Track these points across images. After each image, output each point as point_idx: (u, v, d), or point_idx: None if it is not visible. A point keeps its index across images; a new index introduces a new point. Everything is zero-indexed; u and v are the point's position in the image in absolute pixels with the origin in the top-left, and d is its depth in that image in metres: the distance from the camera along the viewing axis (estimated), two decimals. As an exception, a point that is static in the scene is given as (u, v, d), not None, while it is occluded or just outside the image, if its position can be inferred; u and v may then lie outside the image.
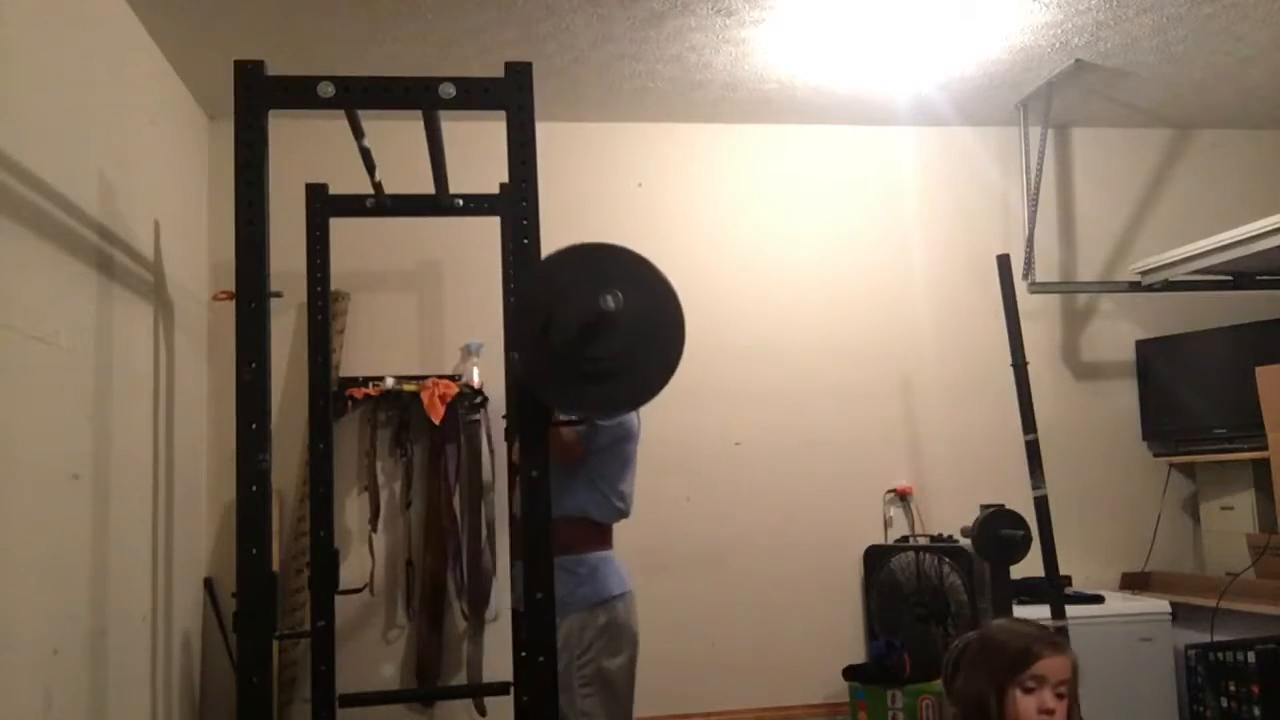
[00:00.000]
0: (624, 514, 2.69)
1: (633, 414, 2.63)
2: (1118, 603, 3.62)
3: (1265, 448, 3.35)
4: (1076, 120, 4.12)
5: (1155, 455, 4.04)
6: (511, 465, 2.35)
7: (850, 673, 3.51)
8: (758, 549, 3.77)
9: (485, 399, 3.58)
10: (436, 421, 3.49)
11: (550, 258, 2.02)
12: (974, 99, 3.78)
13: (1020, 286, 3.51)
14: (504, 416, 3.24)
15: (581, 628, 2.47)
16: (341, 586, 3.20)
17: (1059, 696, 1.74)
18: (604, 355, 1.97)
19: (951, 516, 3.67)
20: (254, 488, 1.92)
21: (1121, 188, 4.19)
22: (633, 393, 2.04)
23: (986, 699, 1.75)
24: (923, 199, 4.06)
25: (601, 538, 2.61)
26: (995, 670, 1.75)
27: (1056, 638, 1.77)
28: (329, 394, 3.21)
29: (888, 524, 3.87)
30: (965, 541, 3.04)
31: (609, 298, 1.92)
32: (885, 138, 4.05)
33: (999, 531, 2.85)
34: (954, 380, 3.97)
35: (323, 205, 3.18)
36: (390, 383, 3.53)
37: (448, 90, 2.01)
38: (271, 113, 2.02)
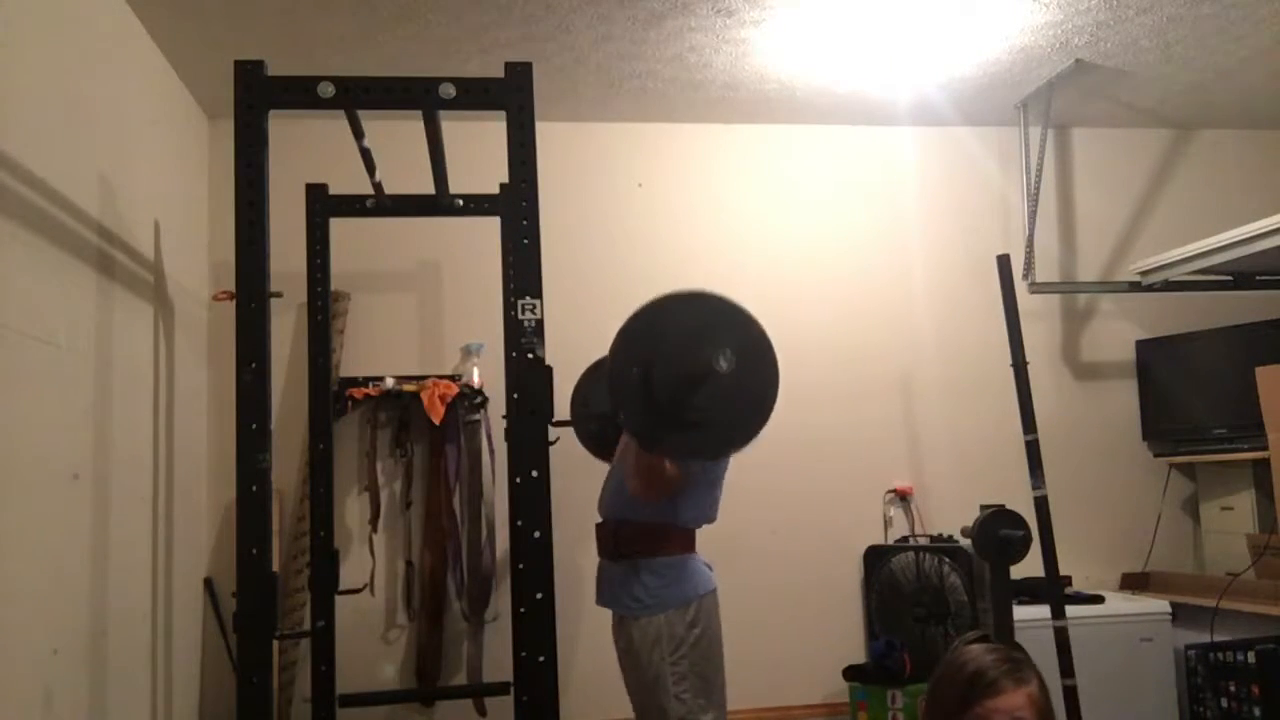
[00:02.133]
0: (711, 521, 2.69)
1: None
2: (1118, 603, 3.62)
3: (1265, 448, 3.35)
4: (1076, 120, 4.12)
5: (1155, 455, 4.04)
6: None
7: (850, 673, 3.51)
8: (758, 549, 3.77)
9: (485, 399, 3.58)
10: (436, 422, 3.49)
11: (655, 303, 2.13)
12: (974, 99, 3.78)
13: (1020, 286, 3.51)
14: (504, 416, 3.24)
15: (670, 627, 2.48)
16: (341, 586, 3.21)
17: None
18: (705, 407, 2.10)
19: (951, 516, 3.67)
20: (254, 488, 1.92)
21: (1121, 188, 4.19)
22: (727, 441, 2.20)
23: None
24: (923, 199, 4.06)
25: (687, 541, 2.60)
26: (946, 706, 1.64)
27: (1015, 671, 1.62)
28: (329, 394, 3.22)
29: (888, 524, 3.87)
30: (965, 541, 3.04)
31: (722, 359, 2.03)
32: (885, 138, 4.05)
33: (999, 531, 2.85)
34: (954, 380, 3.97)
35: (323, 205, 3.18)
36: (390, 383, 3.53)
37: (448, 90, 2.01)
38: (271, 113, 2.02)
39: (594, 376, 3.09)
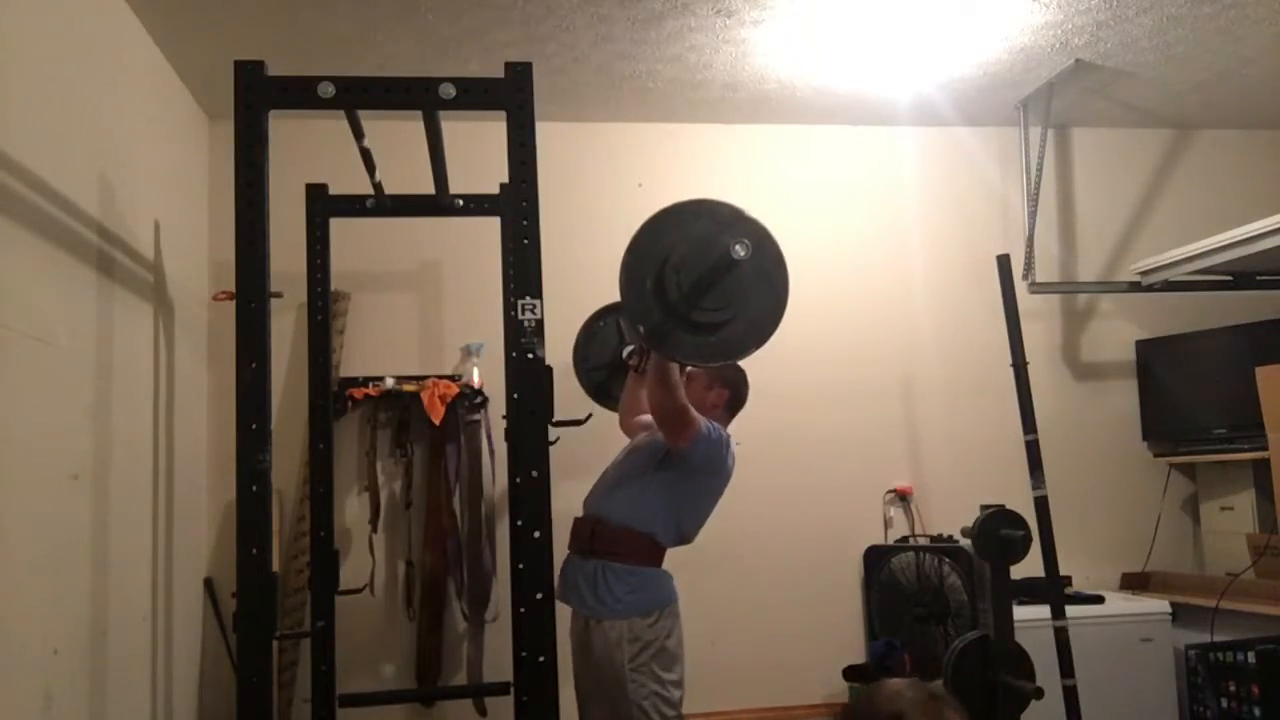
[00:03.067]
0: (688, 542, 2.73)
1: (732, 457, 2.68)
2: (1118, 603, 3.62)
3: (1265, 448, 3.35)
4: (1076, 120, 4.12)
5: (1155, 455, 4.04)
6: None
7: (850, 673, 3.51)
8: (758, 549, 3.77)
9: (485, 399, 3.58)
10: (436, 422, 3.49)
11: (657, 215, 2.13)
12: (974, 99, 3.78)
13: (1020, 286, 3.51)
14: (504, 416, 3.24)
15: (633, 631, 2.52)
16: (341, 586, 3.21)
17: None
18: (720, 305, 2.09)
19: (951, 516, 3.67)
20: (254, 488, 1.92)
21: (1121, 188, 4.19)
22: (749, 336, 2.17)
23: None
24: (923, 199, 4.06)
25: (657, 555, 2.64)
26: None
27: (935, 712, 1.50)
28: (329, 394, 3.22)
29: (888, 524, 3.87)
30: (965, 541, 3.04)
31: (739, 246, 2.00)
32: (885, 138, 4.05)
33: (999, 531, 2.85)
34: (954, 380, 3.97)
35: (323, 205, 3.18)
36: (390, 383, 3.53)
37: (448, 90, 2.01)
38: (271, 113, 2.02)
39: (589, 332, 3.25)
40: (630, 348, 3.05)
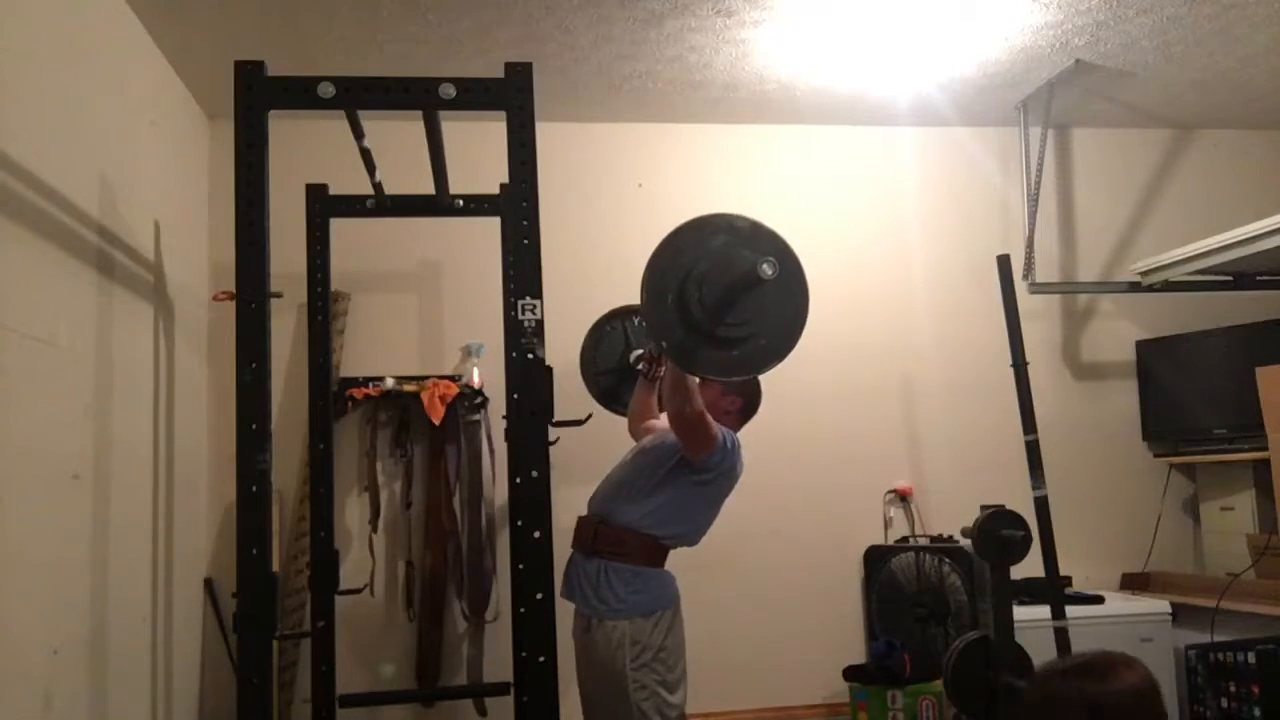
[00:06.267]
0: (691, 544, 2.72)
1: (742, 463, 2.68)
2: (1118, 603, 3.62)
3: (1265, 448, 3.35)
4: (1076, 120, 4.12)
5: (1155, 455, 4.04)
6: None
7: (850, 673, 3.51)
8: (758, 549, 3.77)
9: (485, 399, 3.58)
10: (436, 422, 3.49)
11: (673, 234, 2.15)
12: (974, 99, 3.78)
13: (1020, 287, 3.51)
14: (504, 416, 3.24)
15: (636, 632, 2.52)
16: (341, 586, 3.21)
17: None
18: (742, 320, 2.11)
19: (951, 517, 3.67)
20: (254, 488, 1.92)
21: (1121, 188, 4.19)
22: (770, 352, 2.18)
23: None
24: (923, 199, 4.06)
25: (659, 556, 2.64)
26: None
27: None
28: (329, 394, 3.22)
29: (888, 524, 3.87)
30: (965, 542, 3.04)
31: (766, 266, 2.01)
32: (885, 138, 4.05)
33: (999, 532, 2.85)
34: (954, 380, 3.97)
35: (323, 205, 3.18)
36: (390, 383, 3.53)
37: (448, 90, 2.01)
38: (271, 113, 2.02)
39: (595, 338, 3.24)
40: (639, 352, 3.04)
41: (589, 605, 2.56)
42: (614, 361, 3.20)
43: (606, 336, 3.23)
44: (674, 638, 2.58)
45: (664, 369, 2.63)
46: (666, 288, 2.13)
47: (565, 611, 2.78)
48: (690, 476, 2.59)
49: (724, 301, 2.11)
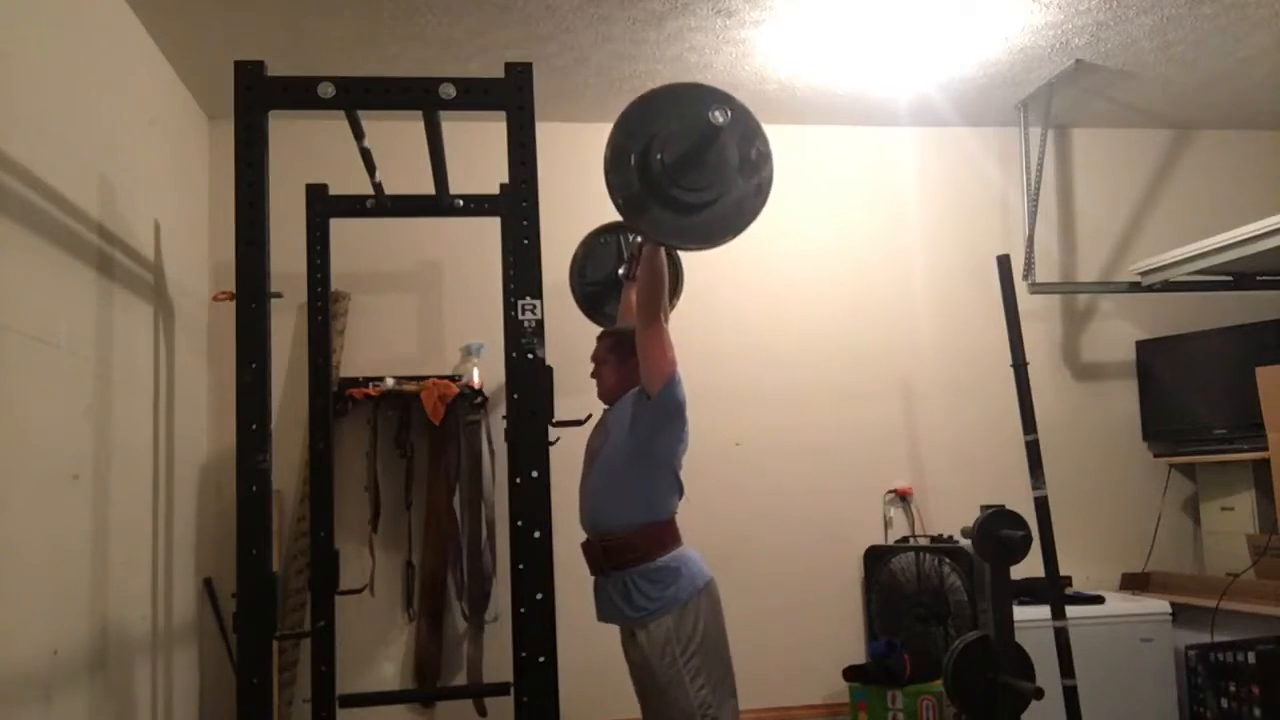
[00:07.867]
0: (682, 492, 2.64)
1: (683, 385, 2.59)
2: (1118, 603, 3.62)
3: (1265, 448, 3.35)
4: (1076, 120, 4.12)
5: (1155, 455, 4.04)
6: None
7: (850, 673, 3.51)
8: (758, 549, 3.77)
9: (485, 399, 3.58)
10: (436, 422, 3.49)
11: (645, 96, 2.14)
12: (974, 99, 3.78)
13: (1020, 287, 3.51)
14: (504, 417, 3.24)
15: (678, 628, 2.49)
16: (341, 586, 3.20)
17: None
18: (701, 185, 2.09)
19: (951, 517, 3.67)
20: (254, 488, 1.92)
21: (1121, 188, 4.19)
22: (727, 222, 2.16)
23: None
24: (923, 199, 4.06)
25: (673, 535, 2.59)
26: None
27: None
28: (329, 394, 3.21)
29: (888, 524, 3.87)
30: (965, 542, 3.04)
31: (717, 112, 2.01)
32: (886, 138, 4.05)
33: (999, 532, 2.85)
34: (954, 380, 3.97)
35: (323, 205, 3.18)
36: (390, 383, 3.53)
37: (448, 90, 2.01)
38: (271, 113, 2.02)
39: (589, 248, 3.22)
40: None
41: (625, 616, 2.53)
42: (603, 274, 3.20)
43: (599, 249, 3.21)
44: (715, 624, 2.55)
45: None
46: (631, 148, 2.12)
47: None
48: (650, 442, 2.53)
49: (682, 160, 2.10)
